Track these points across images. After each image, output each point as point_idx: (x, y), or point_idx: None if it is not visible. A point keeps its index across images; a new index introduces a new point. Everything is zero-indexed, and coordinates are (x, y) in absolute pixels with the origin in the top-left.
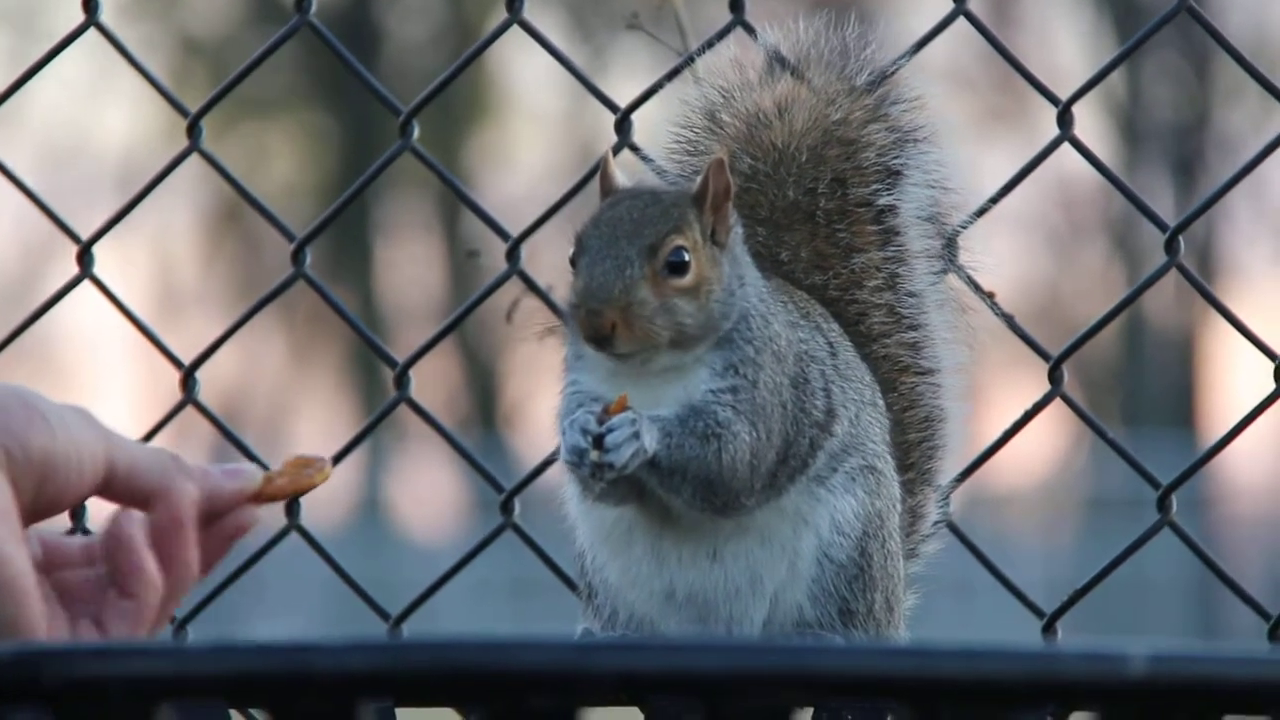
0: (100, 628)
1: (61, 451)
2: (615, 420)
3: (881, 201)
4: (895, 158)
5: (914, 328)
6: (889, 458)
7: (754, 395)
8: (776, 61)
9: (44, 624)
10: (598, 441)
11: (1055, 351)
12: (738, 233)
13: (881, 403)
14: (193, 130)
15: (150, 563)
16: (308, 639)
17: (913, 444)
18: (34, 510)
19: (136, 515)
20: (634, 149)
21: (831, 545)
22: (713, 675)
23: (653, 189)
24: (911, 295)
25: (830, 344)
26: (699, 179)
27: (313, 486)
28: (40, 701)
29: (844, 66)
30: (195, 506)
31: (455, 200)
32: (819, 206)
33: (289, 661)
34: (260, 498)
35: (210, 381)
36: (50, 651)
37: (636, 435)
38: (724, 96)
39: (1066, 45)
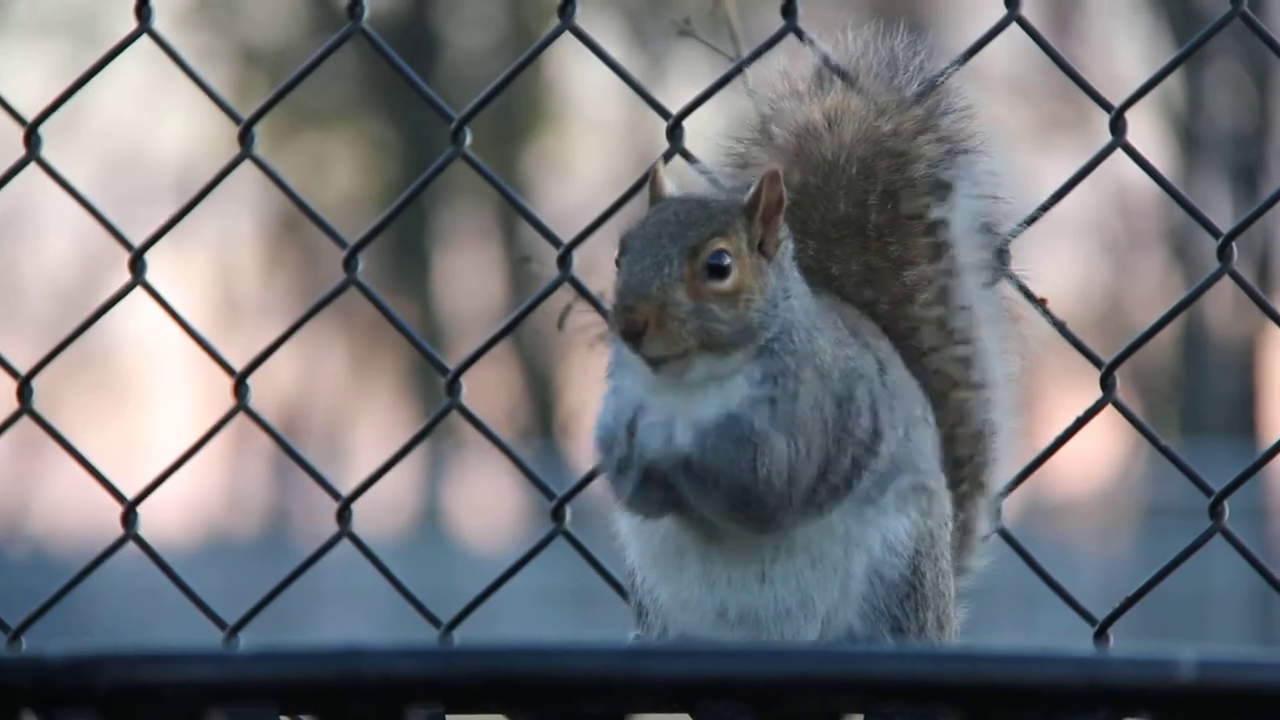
0: None
1: None
2: (650, 415)
3: (933, 215)
4: (946, 169)
5: (965, 342)
6: (940, 475)
7: (793, 408)
8: (827, 69)
9: None
10: (629, 432)
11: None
12: (788, 247)
13: (933, 419)
14: (245, 137)
15: None
16: (356, 644)
17: (964, 459)
18: None
19: None
20: (686, 156)
21: (884, 564)
22: (762, 681)
23: (702, 197)
24: (963, 308)
25: (880, 361)
26: (752, 189)
27: None
28: (92, 706)
29: (893, 77)
30: None
31: (514, 209)
32: (870, 220)
33: (337, 667)
34: None
35: (270, 391)
36: (101, 657)
37: (670, 435)
38: (773, 109)
39: (1127, 56)
